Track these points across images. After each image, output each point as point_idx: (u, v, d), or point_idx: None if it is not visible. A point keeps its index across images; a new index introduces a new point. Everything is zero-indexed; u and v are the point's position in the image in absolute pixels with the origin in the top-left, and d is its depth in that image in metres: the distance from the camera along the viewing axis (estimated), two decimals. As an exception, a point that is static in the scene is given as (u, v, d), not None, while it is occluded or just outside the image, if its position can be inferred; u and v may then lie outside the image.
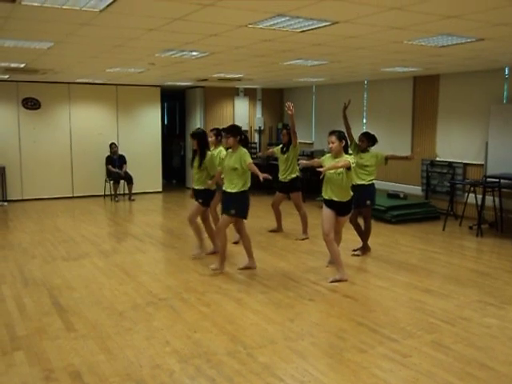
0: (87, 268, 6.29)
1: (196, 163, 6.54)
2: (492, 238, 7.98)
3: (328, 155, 5.81)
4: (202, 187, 6.53)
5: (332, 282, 5.64)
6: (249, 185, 5.88)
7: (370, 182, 6.72)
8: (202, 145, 6.52)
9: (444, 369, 3.69)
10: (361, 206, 6.67)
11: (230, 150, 5.96)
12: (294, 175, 7.75)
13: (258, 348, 4.02)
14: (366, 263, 6.55)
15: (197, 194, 6.63)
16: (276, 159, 8.28)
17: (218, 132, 6.91)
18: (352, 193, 5.75)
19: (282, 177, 7.84)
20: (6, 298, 5.20)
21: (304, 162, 6.11)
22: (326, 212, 5.71)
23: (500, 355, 3.93)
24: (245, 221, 6.07)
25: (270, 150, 8.23)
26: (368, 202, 6.73)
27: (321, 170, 5.46)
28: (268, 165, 11.31)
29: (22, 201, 11.29)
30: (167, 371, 3.64)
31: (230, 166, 5.78)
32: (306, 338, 4.21)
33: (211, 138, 6.80)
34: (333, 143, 5.60)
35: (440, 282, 5.78)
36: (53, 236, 7.98)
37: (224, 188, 5.95)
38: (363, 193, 6.55)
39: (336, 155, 5.64)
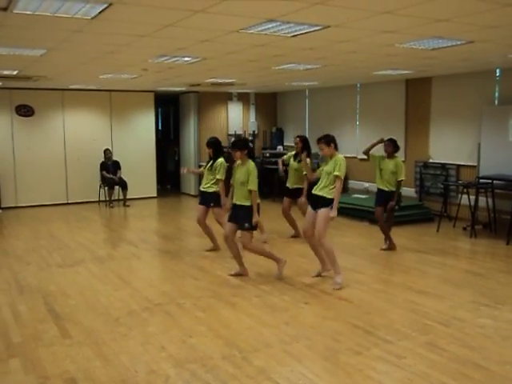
0: (82, 274, 6.28)
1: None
2: (486, 238, 8.02)
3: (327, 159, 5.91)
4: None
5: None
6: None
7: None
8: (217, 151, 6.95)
9: (438, 370, 3.71)
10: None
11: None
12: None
13: (253, 352, 4.03)
14: (360, 265, 6.57)
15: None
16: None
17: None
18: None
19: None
20: (0, 305, 5.19)
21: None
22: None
23: (494, 355, 3.96)
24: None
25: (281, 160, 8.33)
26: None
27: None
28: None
29: (16, 208, 11.25)
30: (163, 376, 3.64)
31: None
32: (301, 341, 4.23)
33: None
34: (322, 150, 5.79)
35: (434, 283, 5.81)
36: (47, 243, 7.97)
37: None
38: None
39: (331, 157, 5.76)
